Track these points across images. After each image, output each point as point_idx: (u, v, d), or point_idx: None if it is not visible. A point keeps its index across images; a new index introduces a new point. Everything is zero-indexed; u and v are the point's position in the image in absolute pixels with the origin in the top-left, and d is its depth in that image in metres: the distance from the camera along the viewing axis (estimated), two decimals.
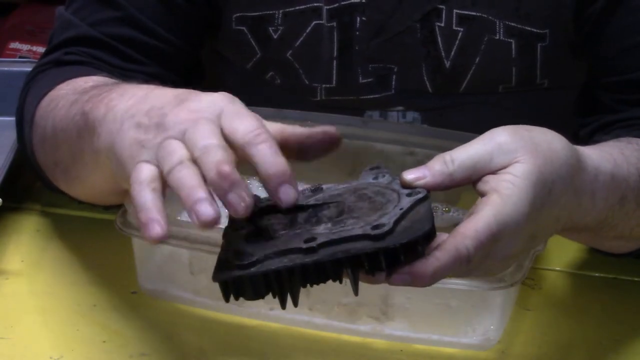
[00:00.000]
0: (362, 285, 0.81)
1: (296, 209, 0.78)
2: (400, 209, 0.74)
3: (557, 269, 1.04)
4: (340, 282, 0.75)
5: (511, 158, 0.78)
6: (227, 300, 0.75)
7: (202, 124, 0.76)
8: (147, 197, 0.75)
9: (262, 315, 0.94)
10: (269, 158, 0.74)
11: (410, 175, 0.78)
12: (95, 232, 1.07)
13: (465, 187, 1.06)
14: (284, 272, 0.73)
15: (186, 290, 0.96)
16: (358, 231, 0.73)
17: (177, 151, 0.75)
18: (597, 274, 1.04)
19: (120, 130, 0.80)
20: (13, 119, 1.14)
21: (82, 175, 0.94)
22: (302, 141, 0.80)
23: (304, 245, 0.73)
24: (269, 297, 0.93)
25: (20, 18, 2.33)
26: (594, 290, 1.02)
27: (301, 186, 0.80)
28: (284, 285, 0.74)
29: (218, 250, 0.91)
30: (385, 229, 0.72)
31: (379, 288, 0.91)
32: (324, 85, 1.15)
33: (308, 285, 0.74)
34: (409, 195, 0.77)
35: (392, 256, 0.73)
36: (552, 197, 0.79)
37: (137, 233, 0.93)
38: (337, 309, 0.93)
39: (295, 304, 0.75)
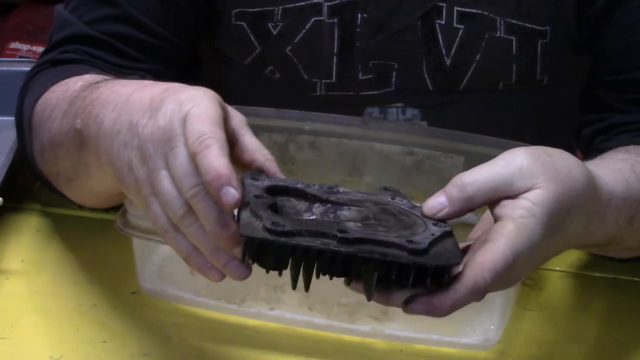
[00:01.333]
0: None
1: (313, 198, 0.78)
2: (432, 234, 0.74)
3: (557, 269, 1.04)
4: (350, 282, 0.74)
5: (532, 184, 0.77)
6: (243, 259, 0.73)
7: (173, 155, 0.78)
8: (182, 243, 0.81)
9: (262, 315, 0.94)
10: (207, 164, 0.75)
11: (430, 210, 0.77)
12: (95, 232, 1.07)
13: None
14: (314, 252, 0.72)
15: (186, 290, 0.96)
16: (394, 239, 0.72)
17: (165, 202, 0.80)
18: (597, 274, 1.04)
19: (111, 148, 0.84)
20: (13, 118, 1.14)
21: (88, 184, 0.95)
22: (254, 166, 0.82)
23: (339, 234, 0.72)
24: (271, 295, 0.93)
25: (20, 18, 2.33)
26: (594, 290, 1.02)
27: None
28: (306, 265, 0.73)
29: None
30: (422, 246, 0.72)
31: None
32: (323, 81, 1.15)
33: (323, 274, 0.73)
34: (434, 224, 0.76)
35: (421, 275, 0.72)
36: (564, 225, 0.79)
37: (137, 233, 0.93)
38: (337, 309, 0.93)
39: (307, 288, 0.74)
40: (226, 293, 0.95)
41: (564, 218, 0.78)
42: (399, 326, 0.93)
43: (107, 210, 1.06)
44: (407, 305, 0.73)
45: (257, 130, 1.09)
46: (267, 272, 0.73)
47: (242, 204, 0.76)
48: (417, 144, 1.07)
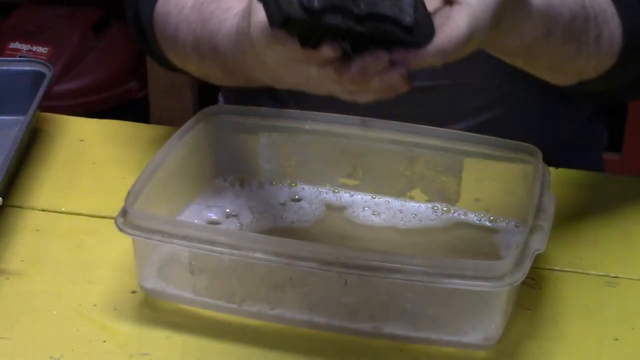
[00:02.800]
0: (362, 285, 0.81)
1: None
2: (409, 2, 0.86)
3: (557, 269, 1.04)
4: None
5: None
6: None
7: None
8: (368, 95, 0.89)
9: (262, 315, 0.94)
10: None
11: None
12: (95, 232, 1.07)
13: (465, 187, 1.06)
14: (333, 28, 0.83)
15: (186, 290, 0.96)
16: (390, 13, 0.84)
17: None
18: (597, 274, 1.04)
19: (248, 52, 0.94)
20: (13, 118, 1.15)
21: (247, 75, 1.01)
22: None
23: (355, 10, 0.83)
24: (271, 295, 0.93)
25: (20, 18, 2.33)
26: (594, 290, 1.02)
27: None
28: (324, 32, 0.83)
29: (218, 250, 0.91)
30: (411, 23, 0.84)
31: (379, 288, 0.91)
32: None
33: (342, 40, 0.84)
34: None
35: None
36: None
37: (137, 233, 0.93)
38: (337, 308, 0.93)
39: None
40: (226, 293, 0.95)
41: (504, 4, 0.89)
42: (399, 326, 0.93)
43: (106, 210, 1.06)
44: (391, 53, 0.85)
45: (257, 130, 1.09)
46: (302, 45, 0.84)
47: None
48: (417, 144, 1.07)
